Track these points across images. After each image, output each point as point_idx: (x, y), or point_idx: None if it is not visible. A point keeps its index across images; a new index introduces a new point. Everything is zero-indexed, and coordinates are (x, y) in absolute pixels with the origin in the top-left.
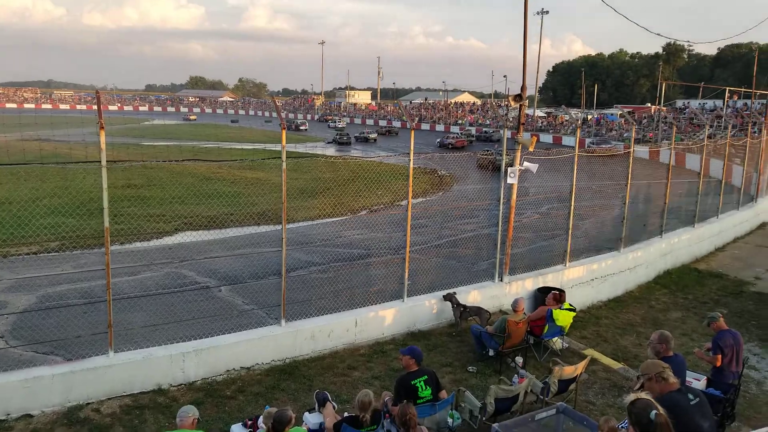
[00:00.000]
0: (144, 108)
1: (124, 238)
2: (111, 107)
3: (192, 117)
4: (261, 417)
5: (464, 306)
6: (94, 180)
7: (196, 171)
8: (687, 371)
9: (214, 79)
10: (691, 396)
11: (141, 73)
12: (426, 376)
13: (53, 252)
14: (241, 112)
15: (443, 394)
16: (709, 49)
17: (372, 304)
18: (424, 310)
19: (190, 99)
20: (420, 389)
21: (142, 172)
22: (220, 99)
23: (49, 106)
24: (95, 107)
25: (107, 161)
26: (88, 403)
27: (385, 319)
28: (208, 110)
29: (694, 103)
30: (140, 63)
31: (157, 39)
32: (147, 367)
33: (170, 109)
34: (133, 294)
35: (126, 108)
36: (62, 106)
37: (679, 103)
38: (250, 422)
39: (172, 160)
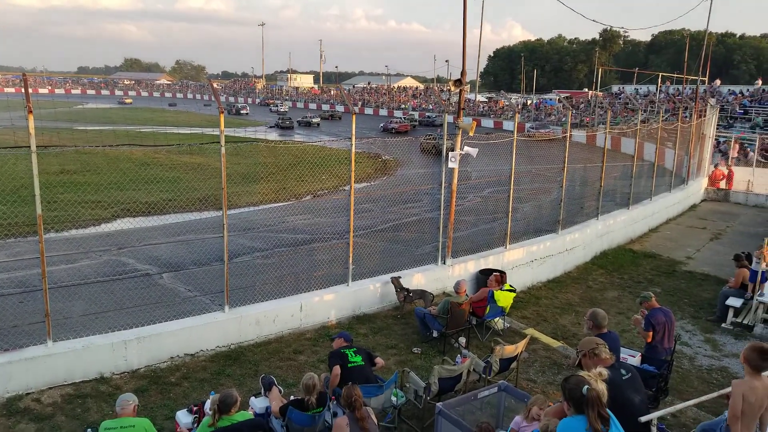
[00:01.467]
0: (76, 91)
1: (60, 225)
2: (41, 90)
3: (127, 100)
4: (207, 402)
5: (407, 289)
6: (25, 166)
7: (133, 156)
8: (622, 348)
9: (150, 62)
10: (623, 371)
11: (73, 55)
12: (355, 348)
13: None
14: (179, 95)
15: (379, 360)
16: (644, 36)
17: (317, 289)
18: (368, 293)
19: (125, 82)
20: (350, 356)
21: (77, 157)
22: (157, 82)
23: None
24: (23, 90)
25: (38, 146)
26: (28, 393)
27: (330, 304)
28: (145, 93)
29: (629, 89)
30: (72, 44)
31: (89, 19)
32: (88, 355)
33: (104, 92)
34: (71, 282)
35: (57, 91)
36: None
37: (615, 88)
38: (195, 408)
39: (108, 145)
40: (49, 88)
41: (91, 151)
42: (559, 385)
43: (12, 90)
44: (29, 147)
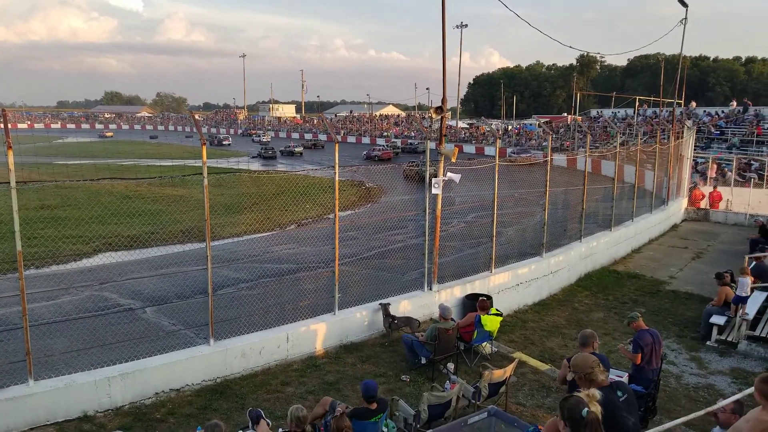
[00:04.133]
0: (56, 125)
1: (41, 261)
2: (20, 125)
3: (108, 134)
4: None
5: (393, 316)
6: (4, 202)
7: (115, 189)
8: (610, 368)
9: (130, 94)
10: (620, 393)
11: (52, 90)
12: (381, 414)
13: None
14: (161, 127)
15: None
16: (620, 61)
17: (303, 319)
18: (355, 322)
19: (106, 115)
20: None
21: (57, 192)
22: (138, 114)
23: None
24: (2, 126)
25: (17, 182)
26: None
27: (316, 333)
28: (125, 126)
29: (607, 112)
30: (51, 79)
31: (68, 53)
32: (70, 394)
33: (85, 126)
34: (52, 319)
35: (37, 126)
36: None
37: (593, 112)
38: None
39: (88, 179)
40: (29, 123)
41: (71, 186)
42: (552, 406)
43: None
44: (8, 183)
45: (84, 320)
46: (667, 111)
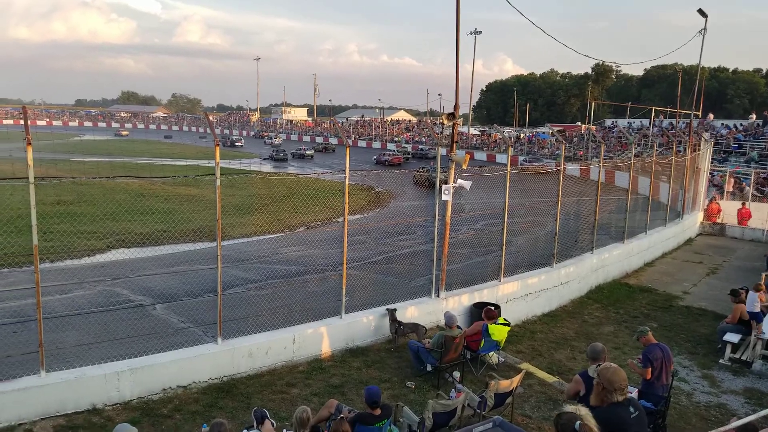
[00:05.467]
0: (74, 123)
1: (55, 255)
2: (39, 122)
3: (124, 132)
4: None
5: (400, 322)
6: (22, 196)
7: (129, 187)
8: None
9: (146, 95)
10: (632, 409)
11: (71, 88)
12: (386, 420)
13: None
14: (175, 128)
15: None
16: (636, 70)
17: (310, 321)
18: (362, 326)
19: (122, 114)
20: None
21: (73, 188)
22: (153, 114)
23: None
24: (22, 122)
25: (35, 178)
26: (20, 424)
27: (323, 336)
28: (141, 126)
29: (622, 122)
30: (70, 77)
31: (87, 53)
32: (80, 386)
33: (101, 124)
34: (65, 313)
35: (55, 123)
36: None
37: (608, 122)
38: None
39: (104, 177)
40: (47, 120)
41: (87, 182)
42: (553, 421)
43: (11, 122)
44: (27, 178)
45: (95, 315)
46: (683, 123)
